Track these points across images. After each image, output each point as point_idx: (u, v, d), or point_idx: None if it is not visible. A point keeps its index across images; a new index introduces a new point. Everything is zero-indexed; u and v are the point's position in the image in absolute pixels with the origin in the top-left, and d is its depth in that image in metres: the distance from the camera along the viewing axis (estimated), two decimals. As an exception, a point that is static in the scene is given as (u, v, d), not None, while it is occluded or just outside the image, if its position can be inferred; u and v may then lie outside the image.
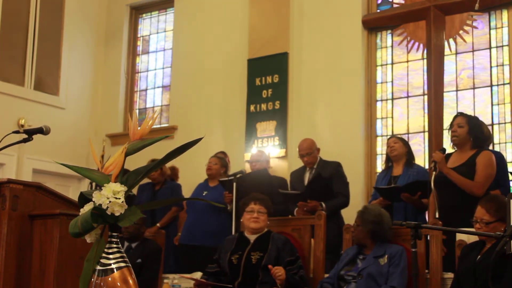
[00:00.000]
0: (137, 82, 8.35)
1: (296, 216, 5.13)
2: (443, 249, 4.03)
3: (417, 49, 6.40)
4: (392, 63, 6.70)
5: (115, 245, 1.91)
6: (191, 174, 6.59)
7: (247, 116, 7.00)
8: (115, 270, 1.87)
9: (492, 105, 6.10)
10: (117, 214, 1.86)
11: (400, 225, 3.33)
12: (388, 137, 5.85)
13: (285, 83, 6.85)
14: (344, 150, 6.28)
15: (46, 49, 7.70)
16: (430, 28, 6.17)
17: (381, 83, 6.72)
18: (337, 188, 5.23)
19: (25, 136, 3.29)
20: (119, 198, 1.86)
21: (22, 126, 7.12)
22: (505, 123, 6.00)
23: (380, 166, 6.37)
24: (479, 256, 3.49)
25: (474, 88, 6.24)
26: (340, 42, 6.77)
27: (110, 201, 1.85)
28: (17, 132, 3.38)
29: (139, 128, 2.01)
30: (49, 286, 2.89)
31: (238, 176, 5.43)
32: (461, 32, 6.18)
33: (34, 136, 3.31)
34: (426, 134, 6.20)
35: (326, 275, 4.19)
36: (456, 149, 4.66)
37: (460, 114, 4.73)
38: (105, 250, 1.90)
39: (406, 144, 5.20)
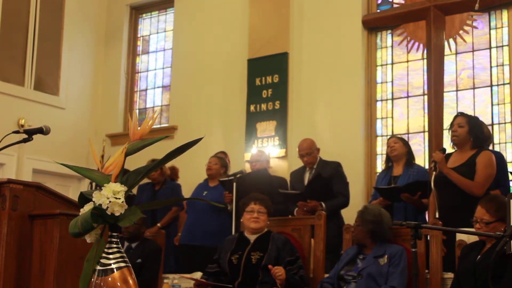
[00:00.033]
0: (137, 82, 8.35)
1: (296, 216, 5.13)
2: (443, 249, 4.03)
3: (417, 49, 6.40)
4: (392, 63, 6.70)
5: (115, 245, 1.91)
6: (191, 174, 6.59)
7: (247, 116, 7.00)
8: (115, 270, 1.87)
9: (492, 105, 6.10)
10: (117, 214, 1.86)
11: (400, 225, 3.33)
12: (388, 137, 5.85)
13: (285, 83, 6.85)
14: (344, 150, 6.28)
15: (46, 49, 7.70)
16: (430, 28, 6.17)
17: (381, 83, 6.72)
18: (337, 188, 5.23)
19: (25, 136, 3.29)
20: (119, 198, 1.86)
21: (22, 126, 7.12)
22: (505, 123, 6.00)
23: (380, 166, 6.37)
24: (479, 256, 3.49)
25: (474, 88, 6.24)
26: (340, 42, 6.77)
27: (110, 201, 1.85)
28: (17, 132, 3.38)
29: (139, 128, 2.01)
30: (49, 286, 2.89)
31: (238, 176, 5.43)
32: (461, 32, 6.18)
33: (34, 136, 3.31)
34: (426, 134, 6.20)
35: (326, 275, 4.19)
36: (456, 149, 4.66)
37: (460, 114, 4.73)
38: (105, 250, 1.90)
39: (406, 144, 5.20)
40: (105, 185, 1.89)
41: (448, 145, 4.96)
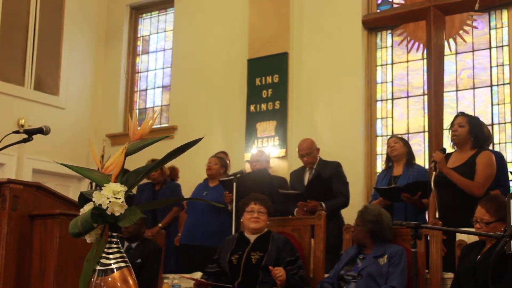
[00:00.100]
0: (137, 82, 8.35)
1: (296, 216, 5.13)
2: (443, 249, 4.03)
3: (417, 49, 6.40)
4: (392, 63, 6.70)
5: (115, 245, 1.91)
6: (191, 174, 6.59)
7: (247, 116, 7.00)
8: (115, 270, 1.87)
9: (492, 105, 6.10)
10: (117, 214, 1.86)
11: (400, 225, 3.33)
12: (388, 137, 5.85)
13: (285, 83, 6.85)
14: (344, 150, 6.28)
15: (46, 49, 7.70)
16: (430, 28, 6.17)
17: (381, 83, 6.72)
18: (337, 188, 5.23)
19: (25, 136, 3.29)
20: (119, 198, 1.86)
21: (22, 126, 7.12)
22: (505, 123, 6.00)
23: (380, 166, 6.37)
24: (479, 256, 3.49)
25: (474, 88, 6.24)
26: (340, 42, 6.77)
27: (110, 201, 1.85)
28: (17, 132, 3.38)
29: (139, 128, 2.01)
30: (49, 286, 2.89)
31: (238, 176, 5.43)
32: (461, 32, 6.18)
33: (34, 136, 3.31)
34: (426, 134, 6.20)
35: (326, 275, 4.19)
36: (456, 148, 4.66)
37: (461, 114, 4.73)
38: (105, 250, 1.90)
39: (406, 144, 5.20)
40: (105, 185, 1.89)
41: (448, 145, 4.96)
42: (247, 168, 6.27)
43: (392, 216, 4.33)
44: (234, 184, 5.37)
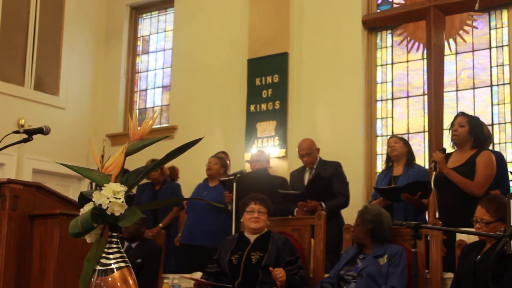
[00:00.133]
0: (137, 82, 8.35)
1: (296, 216, 5.13)
2: (443, 249, 4.03)
3: (417, 49, 6.40)
4: (392, 63, 6.70)
5: (115, 245, 1.91)
6: (191, 174, 6.59)
7: (247, 116, 7.00)
8: (115, 270, 1.87)
9: (492, 105, 6.10)
10: (117, 214, 1.86)
11: (400, 225, 3.33)
12: (388, 137, 5.85)
13: (285, 83, 6.85)
14: (344, 150, 6.28)
15: (46, 49, 7.70)
16: (430, 28, 6.17)
17: (381, 83, 6.72)
18: (337, 188, 5.23)
19: (25, 136, 3.29)
20: (119, 198, 1.86)
21: (22, 126, 7.12)
22: (505, 123, 6.00)
23: (380, 166, 6.37)
24: (479, 256, 3.49)
25: (474, 88, 6.24)
26: (340, 42, 6.77)
27: (110, 201, 1.85)
28: (17, 132, 3.38)
29: (139, 128, 2.01)
30: (49, 286, 2.89)
31: (238, 176, 5.43)
32: (461, 32, 6.18)
33: (34, 136, 3.31)
34: (426, 134, 6.20)
35: (326, 275, 4.19)
36: (456, 148, 4.66)
37: (461, 114, 4.73)
38: (105, 250, 1.90)
39: (406, 144, 5.20)
40: (105, 185, 1.89)
41: (448, 145, 4.96)
42: (247, 168, 6.27)
43: (392, 216, 4.33)
44: (234, 184, 5.37)
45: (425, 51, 6.32)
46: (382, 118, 6.64)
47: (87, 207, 1.91)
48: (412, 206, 4.84)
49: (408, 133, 6.43)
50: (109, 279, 1.86)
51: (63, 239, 2.90)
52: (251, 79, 7.04)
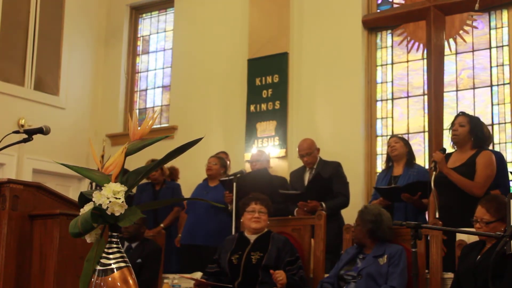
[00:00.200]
0: (137, 82, 8.36)
1: (296, 216, 5.13)
2: (443, 249, 4.03)
3: (417, 49, 6.40)
4: (392, 63, 6.70)
5: (115, 245, 1.91)
6: (191, 174, 6.59)
7: (247, 116, 7.00)
8: (115, 270, 1.87)
9: (492, 105, 6.10)
10: (117, 214, 1.86)
11: (400, 225, 3.33)
12: (388, 137, 5.85)
13: (285, 83, 6.85)
14: (344, 150, 6.29)
15: (46, 49, 7.70)
16: (430, 28, 6.17)
17: (381, 83, 6.72)
18: (337, 188, 5.23)
19: (25, 136, 3.28)
20: (119, 198, 1.86)
21: (22, 126, 7.12)
22: (505, 123, 6.00)
23: (380, 166, 6.37)
24: (479, 256, 3.49)
25: (474, 88, 6.24)
26: (340, 42, 6.77)
27: (110, 201, 1.85)
28: (17, 132, 3.38)
29: (139, 128, 2.01)
30: (49, 286, 2.89)
31: (238, 176, 5.43)
32: (461, 32, 6.18)
33: (34, 136, 3.31)
34: (426, 134, 6.20)
35: (326, 275, 4.19)
36: (456, 148, 4.66)
37: (461, 114, 4.73)
38: (105, 250, 1.90)
39: (407, 144, 5.19)
40: (105, 185, 1.89)
41: (448, 145, 4.96)
42: (247, 168, 6.27)
43: (392, 216, 4.33)
44: (234, 184, 5.37)
45: (425, 51, 6.31)
46: (382, 118, 6.64)
47: (87, 207, 1.91)
48: (412, 206, 4.84)
49: (408, 133, 6.44)
50: (109, 279, 1.86)
51: (63, 239, 2.91)
52: (251, 79, 7.04)
